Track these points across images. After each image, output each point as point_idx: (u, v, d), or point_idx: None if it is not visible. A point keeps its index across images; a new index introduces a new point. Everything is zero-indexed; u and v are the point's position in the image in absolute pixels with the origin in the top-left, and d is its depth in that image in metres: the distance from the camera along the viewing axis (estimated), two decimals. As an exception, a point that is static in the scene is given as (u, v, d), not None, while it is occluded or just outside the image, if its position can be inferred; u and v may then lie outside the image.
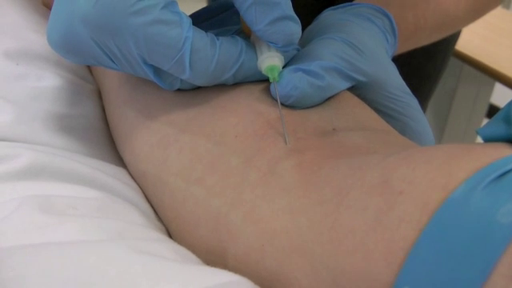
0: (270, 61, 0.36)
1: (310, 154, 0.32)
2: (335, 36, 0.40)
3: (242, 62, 0.35)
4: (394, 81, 0.42)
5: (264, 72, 0.36)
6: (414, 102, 0.42)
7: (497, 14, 1.86)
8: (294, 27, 0.35)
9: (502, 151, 0.25)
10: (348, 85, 0.39)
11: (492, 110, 2.25)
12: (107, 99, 0.45)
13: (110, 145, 0.43)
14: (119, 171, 0.40)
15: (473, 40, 1.48)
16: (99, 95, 0.48)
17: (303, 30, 0.43)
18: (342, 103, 0.39)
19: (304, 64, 0.37)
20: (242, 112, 0.35)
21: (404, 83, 0.43)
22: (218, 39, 0.35)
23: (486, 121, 1.96)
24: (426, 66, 0.95)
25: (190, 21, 0.33)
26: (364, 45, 0.40)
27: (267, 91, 0.37)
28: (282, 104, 0.36)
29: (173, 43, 0.32)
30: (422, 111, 0.43)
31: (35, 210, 0.30)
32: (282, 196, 0.30)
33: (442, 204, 0.23)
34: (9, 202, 0.31)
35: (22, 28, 0.51)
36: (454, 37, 0.96)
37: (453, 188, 0.23)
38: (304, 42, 0.42)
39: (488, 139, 0.27)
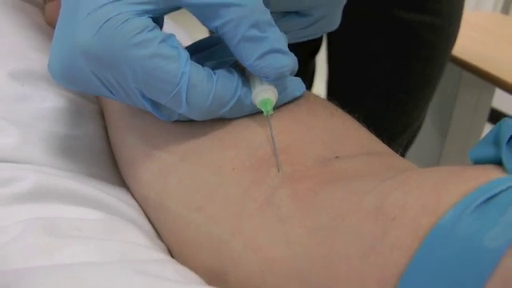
0: (263, 94, 0.36)
1: (306, 182, 0.32)
2: None
3: (238, 98, 0.36)
4: None
5: (258, 106, 0.36)
6: None
7: (495, 19, 1.87)
8: (284, 60, 0.35)
9: (490, 174, 0.26)
10: None
11: (494, 114, 2.26)
12: (109, 122, 0.46)
13: (112, 165, 0.44)
14: (122, 192, 0.41)
15: (471, 45, 1.48)
16: (102, 115, 0.49)
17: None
18: (346, 125, 0.40)
19: None
20: (239, 146, 0.36)
21: None
22: (214, 73, 0.35)
23: (488, 125, 1.97)
24: (424, 71, 0.96)
25: (187, 55, 0.33)
26: None
27: (263, 124, 0.37)
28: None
29: (170, 78, 0.32)
30: None
31: (41, 233, 0.31)
32: (279, 226, 0.31)
33: (431, 230, 0.24)
34: (14, 224, 0.32)
35: (26, 48, 0.52)
36: (451, 42, 0.98)
37: (442, 213, 0.24)
38: None
39: (478, 161, 0.28)
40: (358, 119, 0.42)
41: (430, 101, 1.05)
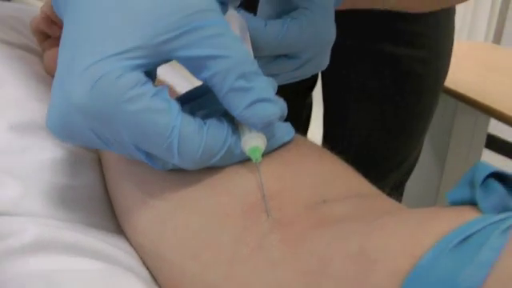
0: (252, 142, 0.37)
1: (295, 226, 0.34)
2: None
3: (228, 148, 0.37)
4: None
5: (247, 154, 0.37)
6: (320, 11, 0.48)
7: (488, 50, 1.89)
8: (271, 109, 0.36)
9: (466, 215, 0.27)
10: None
11: (491, 140, 2.27)
12: (106, 170, 0.47)
13: (111, 213, 0.45)
14: (120, 239, 0.42)
15: (465, 76, 1.50)
16: (101, 163, 0.50)
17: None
18: (334, 168, 0.41)
19: None
20: (231, 192, 0.37)
21: None
22: (205, 123, 0.36)
23: (485, 151, 1.98)
24: (417, 105, 0.98)
25: (178, 108, 0.34)
26: None
27: (254, 170, 0.38)
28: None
29: (161, 131, 0.33)
30: (325, 19, 0.49)
31: (41, 286, 0.32)
32: (270, 270, 0.32)
33: (410, 271, 0.25)
34: (16, 277, 0.33)
35: (26, 98, 0.53)
36: (441, 74, 0.99)
37: (421, 254, 0.26)
38: None
39: (455, 203, 0.29)
40: (347, 161, 0.43)
41: (426, 132, 1.06)
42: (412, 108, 0.98)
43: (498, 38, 2.58)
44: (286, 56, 0.48)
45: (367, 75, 0.95)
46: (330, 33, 0.50)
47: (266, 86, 0.36)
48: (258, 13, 0.52)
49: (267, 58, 0.48)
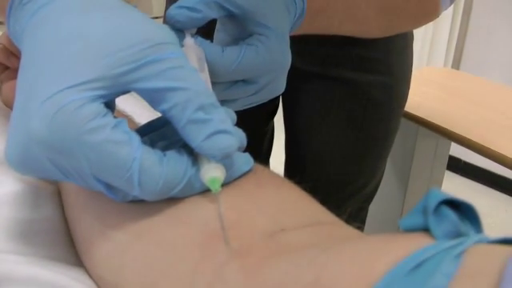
0: (211, 173, 0.37)
1: (253, 256, 0.34)
2: None
3: (188, 180, 0.37)
4: (267, 15, 0.50)
5: (206, 184, 0.37)
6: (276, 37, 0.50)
7: (447, 75, 1.93)
8: (228, 140, 0.36)
9: (419, 242, 0.28)
10: (222, 13, 0.49)
11: (453, 162, 2.31)
12: (66, 202, 0.47)
13: (73, 245, 0.45)
14: (80, 272, 0.41)
15: (425, 101, 1.53)
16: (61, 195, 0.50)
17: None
18: (292, 196, 0.42)
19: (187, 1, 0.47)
20: (190, 223, 0.37)
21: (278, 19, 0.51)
22: (165, 155, 0.36)
23: (448, 173, 2.01)
24: (377, 130, 1.00)
25: (138, 140, 0.35)
26: None
27: (213, 199, 0.38)
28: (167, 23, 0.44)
29: (122, 163, 0.33)
30: (280, 44, 0.51)
31: None
32: None
33: None
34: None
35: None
36: (401, 99, 1.01)
37: (374, 282, 0.26)
38: None
39: (408, 229, 0.30)
40: (307, 188, 0.43)
41: (387, 157, 1.07)
42: (372, 133, 1.00)
43: (457, 64, 2.65)
44: (243, 81, 0.49)
45: (327, 100, 0.96)
46: (285, 58, 0.51)
47: (224, 118, 0.37)
48: (215, 39, 0.54)
49: (225, 83, 0.49)
